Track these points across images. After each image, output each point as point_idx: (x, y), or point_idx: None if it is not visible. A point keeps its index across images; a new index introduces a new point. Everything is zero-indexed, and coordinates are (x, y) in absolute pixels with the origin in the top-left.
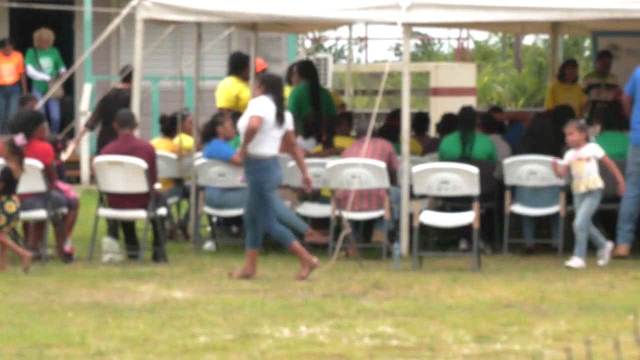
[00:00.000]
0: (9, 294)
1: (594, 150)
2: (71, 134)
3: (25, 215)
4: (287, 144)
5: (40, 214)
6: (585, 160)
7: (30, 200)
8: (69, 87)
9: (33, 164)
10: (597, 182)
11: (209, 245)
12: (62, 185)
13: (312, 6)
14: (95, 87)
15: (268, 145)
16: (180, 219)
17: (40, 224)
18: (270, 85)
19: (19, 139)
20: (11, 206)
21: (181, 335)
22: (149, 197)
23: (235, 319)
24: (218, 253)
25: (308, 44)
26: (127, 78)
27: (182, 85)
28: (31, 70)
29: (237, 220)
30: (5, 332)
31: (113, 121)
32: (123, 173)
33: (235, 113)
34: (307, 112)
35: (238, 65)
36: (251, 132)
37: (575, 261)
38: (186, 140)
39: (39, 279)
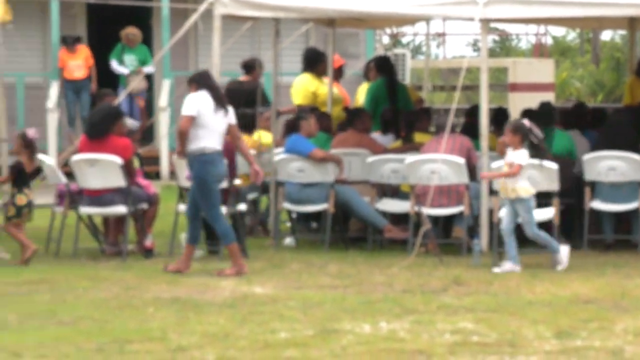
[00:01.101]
0: (90, 289)
1: None
2: (150, 130)
3: (105, 210)
4: (232, 138)
5: (120, 209)
6: None
7: (109, 196)
8: (148, 83)
9: (112, 159)
10: None
11: (288, 240)
12: (142, 180)
13: (390, 2)
14: (173, 83)
15: (210, 139)
16: (260, 214)
17: (120, 220)
18: (200, 80)
19: (31, 132)
20: (21, 199)
21: (261, 331)
22: (229, 193)
23: (315, 314)
24: (298, 248)
25: (386, 39)
26: (249, 70)
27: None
28: (114, 65)
29: (316, 215)
30: (86, 328)
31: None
32: None
33: (313, 109)
34: (385, 107)
35: (312, 62)
36: (181, 134)
37: None
38: (265, 136)
39: (120, 274)
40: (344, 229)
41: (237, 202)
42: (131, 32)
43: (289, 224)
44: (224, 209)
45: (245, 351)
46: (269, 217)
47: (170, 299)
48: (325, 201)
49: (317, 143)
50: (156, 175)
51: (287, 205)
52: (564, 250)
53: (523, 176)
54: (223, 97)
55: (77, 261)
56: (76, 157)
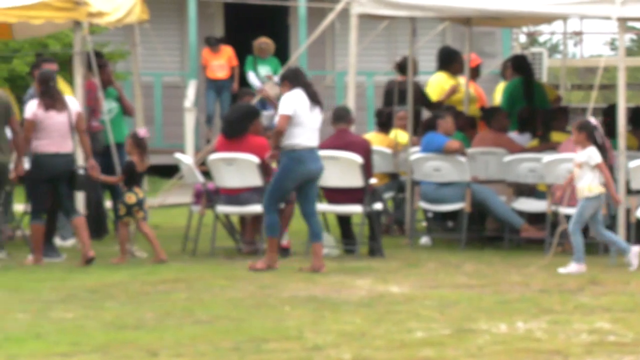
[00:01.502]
0: (226, 288)
1: None
2: None
3: (242, 209)
4: None
5: (257, 208)
6: None
7: (246, 195)
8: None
9: (249, 158)
10: None
11: (424, 239)
12: None
13: (527, 0)
14: None
15: (304, 137)
16: (396, 213)
17: (256, 219)
18: (293, 78)
19: (142, 131)
20: (131, 197)
21: (398, 330)
22: (365, 192)
23: (452, 314)
24: (434, 248)
25: (522, 38)
26: (405, 70)
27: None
28: (252, 77)
29: (452, 215)
30: (223, 326)
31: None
32: (339, 168)
33: (449, 107)
34: (521, 106)
35: (447, 60)
36: (278, 134)
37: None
38: (400, 135)
39: (256, 273)
40: (480, 228)
41: (374, 201)
42: (263, 41)
43: (425, 223)
44: (359, 208)
45: (381, 350)
46: (404, 216)
47: (306, 297)
48: (461, 200)
49: None
50: None
51: (423, 205)
52: (635, 251)
53: (591, 175)
54: (317, 94)
55: (214, 260)
56: (213, 156)
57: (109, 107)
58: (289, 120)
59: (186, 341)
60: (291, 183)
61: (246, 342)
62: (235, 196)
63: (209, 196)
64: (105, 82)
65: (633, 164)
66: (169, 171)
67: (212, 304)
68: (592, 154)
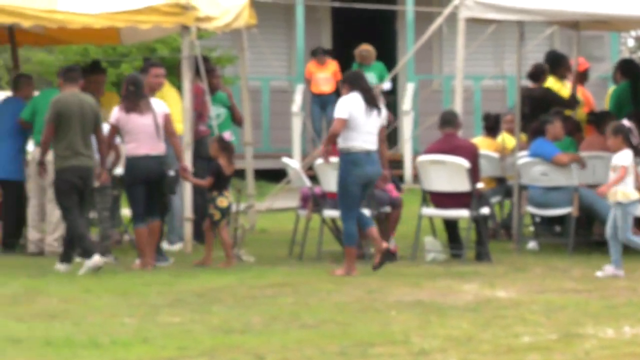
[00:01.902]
0: (333, 292)
1: None
2: (394, 134)
3: None
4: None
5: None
6: None
7: None
8: (392, 87)
9: None
10: None
11: (532, 244)
12: None
13: (636, 4)
14: (417, 87)
15: (359, 140)
16: (503, 218)
17: None
18: (353, 82)
19: (227, 135)
20: (222, 201)
21: (504, 335)
22: (472, 196)
23: (559, 318)
24: (541, 252)
25: (631, 42)
26: (537, 78)
27: (504, 84)
28: None
29: (560, 219)
30: (329, 331)
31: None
32: (446, 172)
33: (557, 112)
34: (629, 110)
35: (554, 64)
36: (332, 137)
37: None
38: (508, 139)
39: (363, 277)
40: (587, 232)
41: (480, 206)
42: (365, 49)
43: (532, 228)
44: (466, 212)
45: (488, 355)
46: (511, 221)
47: (412, 302)
48: (569, 205)
49: (561, 147)
50: (400, 179)
51: (530, 209)
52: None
53: (626, 180)
54: (375, 98)
55: (321, 264)
56: (320, 161)
57: (217, 112)
58: (344, 123)
59: (292, 345)
60: (355, 186)
61: (352, 346)
62: None
63: (316, 200)
64: (214, 87)
65: None
66: (277, 175)
67: (319, 308)
68: (624, 156)
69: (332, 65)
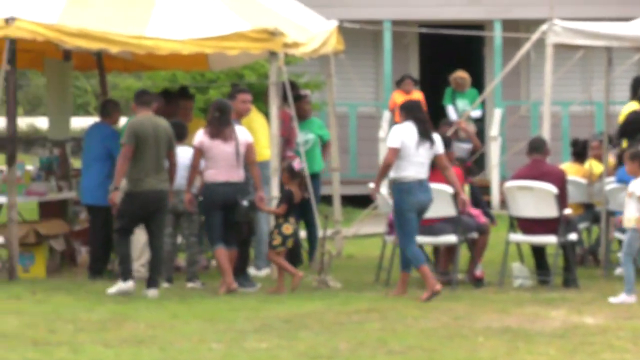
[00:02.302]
0: (419, 318)
1: None
2: (481, 160)
3: (435, 240)
4: (440, 168)
5: (451, 238)
6: None
7: (440, 225)
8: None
9: (444, 188)
10: None
11: (619, 270)
12: (473, 210)
13: None
14: (505, 113)
15: (410, 169)
16: (590, 244)
17: (450, 249)
18: (409, 111)
19: (297, 163)
20: (288, 228)
21: None
22: (559, 222)
23: None
24: None
25: None
26: None
27: (592, 110)
28: (451, 111)
29: None
30: (416, 357)
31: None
32: (533, 198)
33: None
34: None
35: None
36: (386, 167)
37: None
38: (595, 165)
39: (449, 303)
40: None
41: (568, 232)
42: (459, 76)
43: (619, 254)
44: (553, 238)
45: None
46: (599, 247)
47: (500, 328)
48: None
49: None
50: (487, 204)
51: (618, 235)
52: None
53: (635, 206)
54: (429, 130)
55: (407, 291)
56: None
57: (305, 138)
58: (396, 152)
59: None
60: (410, 213)
61: None
62: (429, 226)
63: None
64: (305, 113)
65: None
66: (363, 201)
67: (406, 334)
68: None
69: (417, 95)
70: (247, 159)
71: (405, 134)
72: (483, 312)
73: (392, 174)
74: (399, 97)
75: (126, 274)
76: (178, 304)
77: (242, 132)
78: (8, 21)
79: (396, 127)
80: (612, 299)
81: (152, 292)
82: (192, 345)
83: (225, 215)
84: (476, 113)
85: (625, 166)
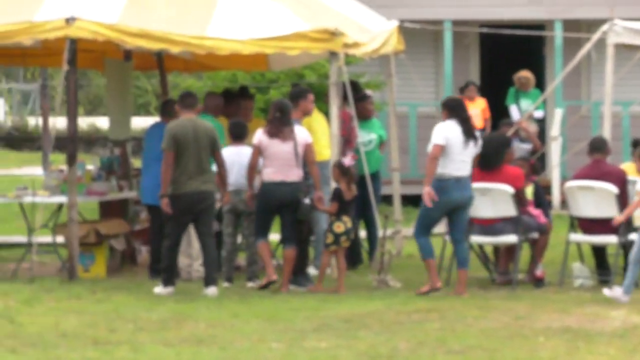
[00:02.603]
0: (480, 318)
1: None
2: (542, 160)
3: (496, 240)
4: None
5: (511, 238)
6: None
7: (500, 225)
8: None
9: (504, 188)
10: None
11: None
12: (533, 210)
13: None
14: (565, 113)
15: (450, 166)
16: None
17: (510, 249)
18: (452, 109)
19: (347, 160)
20: (339, 226)
21: None
22: (620, 222)
23: None
24: None
25: None
26: None
27: None
28: (514, 111)
29: None
30: (476, 357)
31: None
32: (594, 198)
33: None
34: None
35: None
36: (432, 163)
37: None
38: None
39: (510, 303)
40: None
41: (629, 232)
42: (523, 75)
43: None
44: (614, 238)
45: None
46: None
47: (560, 328)
48: None
49: None
50: (548, 204)
51: None
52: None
53: None
54: (472, 130)
55: (467, 290)
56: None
57: (368, 138)
58: (441, 149)
59: None
60: (436, 212)
61: None
62: (489, 226)
63: None
64: (368, 114)
65: None
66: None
67: (465, 334)
68: None
69: (481, 102)
70: (306, 158)
71: (447, 131)
72: (543, 312)
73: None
74: None
75: (167, 281)
76: (238, 304)
77: (301, 132)
78: (69, 21)
79: (440, 125)
80: (607, 291)
81: (211, 290)
82: (251, 345)
83: (284, 215)
84: (539, 113)
85: (636, 163)
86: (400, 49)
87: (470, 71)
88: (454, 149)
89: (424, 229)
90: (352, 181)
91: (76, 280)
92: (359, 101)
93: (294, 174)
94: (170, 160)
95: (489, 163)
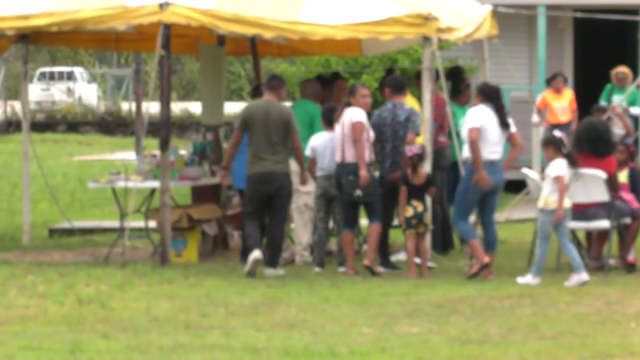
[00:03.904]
0: (571, 304)
1: None
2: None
3: (589, 225)
4: (512, 145)
5: (603, 224)
6: None
7: (593, 210)
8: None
9: (597, 174)
10: None
11: None
12: (626, 195)
13: None
14: None
15: (483, 150)
16: None
17: (603, 234)
18: (487, 95)
19: (415, 148)
20: (408, 210)
21: None
22: None
23: None
24: None
25: None
26: None
27: None
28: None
29: None
30: (568, 342)
31: None
32: None
33: None
34: None
35: None
36: (473, 145)
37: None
38: None
39: (602, 289)
40: None
41: None
42: (621, 71)
43: None
44: None
45: None
46: None
47: None
48: None
49: None
50: None
51: None
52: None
53: (554, 188)
54: (506, 117)
55: (560, 275)
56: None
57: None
58: (478, 131)
59: (530, 357)
60: (473, 194)
61: (591, 358)
62: (582, 211)
63: None
64: (463, 101)
65: None
66: (517, 186)
67: (557, 319)
68: (555, 165)
69: (569, 94)
70: (353, 137)
71: (482, 115)
72: (636, 298)
73: (465, 152)
74: (550, 97)
75: (246, 253)
76: (329, 288)
77: (351, 113)
78: (162, 6)
79: (473, 109)
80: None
81: (269, 272)
82: (343, 330)
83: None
84: (636, 110)
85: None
86: (494, 33)
87: (564, 56)
88: (489, 132)
89: (463, 214)
90: (418, 166)
91: (168, 265)
92: (466, 89)
93: (347, 155)
94: (236, 139)
95: (602, 149)
